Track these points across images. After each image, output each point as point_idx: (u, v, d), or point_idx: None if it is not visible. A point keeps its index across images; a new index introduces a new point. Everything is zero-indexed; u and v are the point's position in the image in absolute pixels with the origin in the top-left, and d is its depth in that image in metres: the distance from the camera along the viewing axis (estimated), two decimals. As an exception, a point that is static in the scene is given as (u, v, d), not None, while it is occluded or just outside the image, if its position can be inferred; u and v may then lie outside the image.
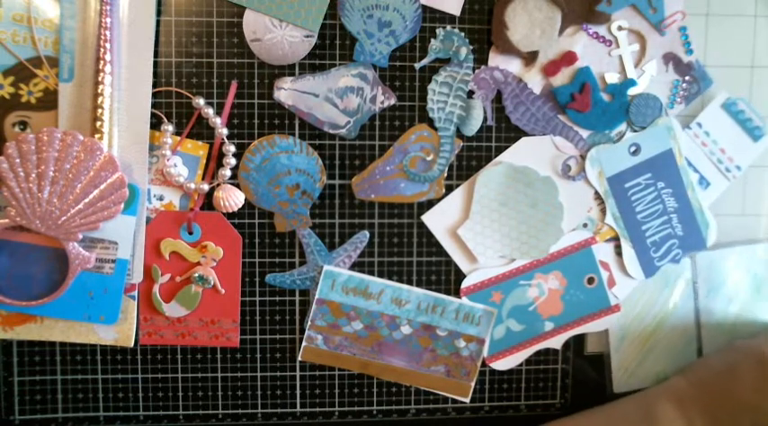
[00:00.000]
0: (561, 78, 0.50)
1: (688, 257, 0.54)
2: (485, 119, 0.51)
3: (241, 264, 0.51)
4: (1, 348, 0.51)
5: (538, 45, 0.49)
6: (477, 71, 0.50)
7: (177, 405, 0.52)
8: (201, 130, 0.49)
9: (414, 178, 0.51)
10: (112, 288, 0.48)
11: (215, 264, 0.50)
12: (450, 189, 0.51)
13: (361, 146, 0.51)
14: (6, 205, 0.44)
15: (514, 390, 0.55)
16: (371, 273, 0.52)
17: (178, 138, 0.48)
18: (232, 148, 0.48)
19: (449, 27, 0.50)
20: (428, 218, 0.52)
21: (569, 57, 0.50)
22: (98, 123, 0.45)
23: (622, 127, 0.52)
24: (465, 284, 0.52)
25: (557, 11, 0.49)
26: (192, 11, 0.48)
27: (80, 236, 0.45)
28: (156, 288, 0.50)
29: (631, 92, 0.51)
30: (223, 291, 0.50)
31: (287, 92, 0.49)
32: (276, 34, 0.48)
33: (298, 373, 0.53)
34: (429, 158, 0.51)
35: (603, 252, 0.53)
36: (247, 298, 0.51)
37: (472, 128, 0.50)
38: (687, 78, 0.51)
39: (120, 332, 0.50)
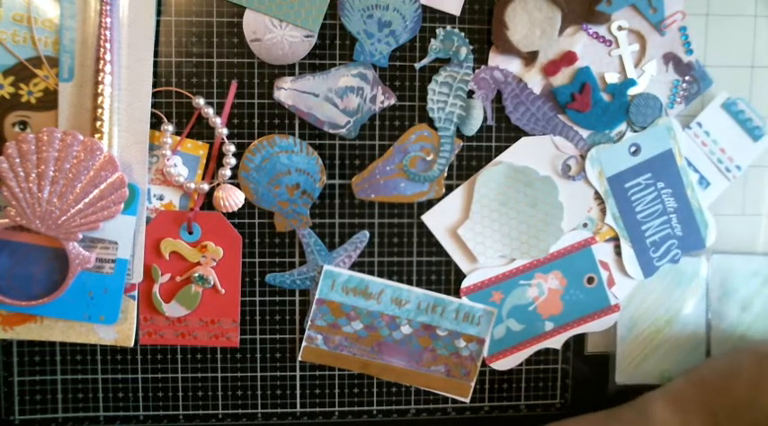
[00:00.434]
0: (561, 78, 0.50)
1: (705, 258, 0.54)
2: (485, 119, 0.51)
3: (241, 264, 0.51)
4: (1, 348, 0.51)
5: (538, 45, 0.50)
6: (477, 71, 0.50)
7: (177, 405, 0.52)
8: (201, 130, 0.49)
9: (414, 178, 0.51)
10: (112, 288, 0.48)
11: (215, 264, 0.50)
12: (450, 189, 0.51)
13: (361, 145, 0.51)
14: (6, 205, 0.44)
15: (514, 390, 0.55)
16: (371, 273, 0.52)
17: (178, 138, 0.48)
18: (232, 148, 0.48)
19: (449, 27, 0.50)
20: (428, 218, 0.52)
21: (569, 57, 0.50)
22: (98, 123, 0.45)
23: (622, 127, 0.52)
24: (465, 284, 0.52)
25: (557, 11, 0.49)
26: (192, 11, 0.48)
27: (80, 236, 0.45)
28: (156, 288, 0.50)
29: (631, 92, 0.51)
30: (223, 291, 0.50)
31: (287, 92, 0.49)
32: (276, 34, 0.48)
33: (298, 373, 0.53)
34: (429, 158, 0.51)
35: (603, 252, 0.53)
36: (247, 298, 0.51)
37: (472, 128, 0.51)
38: (687, 78, 0.52)
39: (120, 332, 0.50)
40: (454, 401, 0.54)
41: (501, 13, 0.49)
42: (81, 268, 0.46)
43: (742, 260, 0.54)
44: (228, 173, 0.49)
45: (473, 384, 0.54)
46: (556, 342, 0.54)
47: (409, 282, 0.52)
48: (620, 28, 0.50)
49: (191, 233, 0.49)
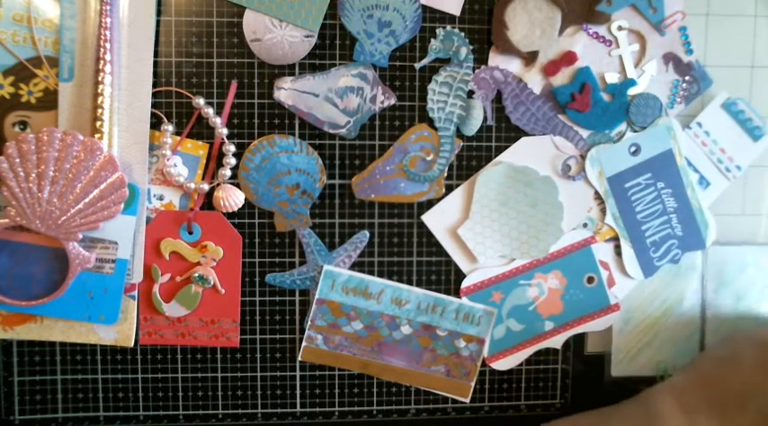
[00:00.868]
0: (561, 78, 0.50)
1: (700, 251, 0.54)
2: (485, 119, 0.51)
3: (241, 264, 0.51)
4: (1, 348, 0.51)
5: (538, 45, 0.50)
6: (477, 71, 0.50)
7: (177, 405, 0.52)
8: (201, 130, 0.49)
9: (414, 178, 0.51)
10: (112, 287, 0.48)
11: (215, 264, 0.50)
12: (450, 189, 0.51)
13: (361, 145, 0.51)
14: (6, 205, 0.44)
15: (514, 390, 0.55)
16: (371, 273, 0.52)
17: (178, 138, 0.48)
18: (232, 148, 0.48)
19: (449, 27, 0.50)
20: (428, 218, 0.52)
21: (569, 57, 0.50)
22: (98, 123, 0.45)
23: (622, 127, 0.52)
24: (465, 284, 0.52)
25: (557, 11, 0.49)
26: (192, 11, 0.48)
27: (80, 236, 0.45)
28: (156, 288, 0.50)
29: (631, 92, 0.51)
30: (223, 291, 0.50)
31: (287, 92, 0.49)
32: (276, 34, 0.48)
33: (298, 373, 0.53)
34: (429, 158, 0.51)
35: (603, 251, 0.53)
36: (247, 298, 0.51)
37: (472, 127, 0.50)
38: (687, 78, 0.52)
39: (120, 332, 0.50)
40: (454, 401, 0.54)
41: (501, 13, 0.49)
42: (81, 268, 0.46)
43: (737, 251, 0.54)
44: (228, 173, 0.49)
45: (473, 384, 0.54)
46: (556, 342, 0.54)
47: (409, 282, 0.52)
48: (620, 28, 0.50)
49: (191, 233, 0.49)
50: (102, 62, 0.45)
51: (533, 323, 0.53)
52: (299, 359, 0.52)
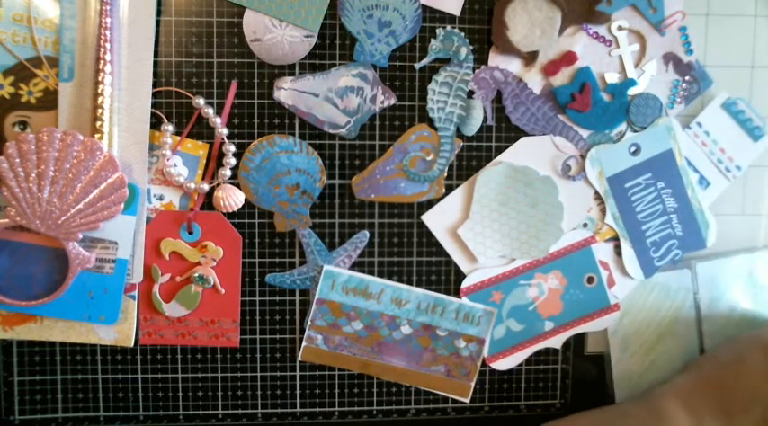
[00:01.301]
0: (561, 78, 0.50)
1: (688, 269, 0.54)
2: (485, 119, 0.51)
3: (241, 264, 0.51)
4: (1, 348, 0.51)
5: (538, 45, 0.50)
6: (477, 71, 0.50)
7: (177, 405, 0.52)
8: (201, 130, 0.49)
9: (414, 178, 0.51)
10: (112, 287, 0.48)
11: (215, 264, 0.50)
12: (450, 189, 0.51)
13: (361, 145, 0.51)
14: (6, 205, 0.44)
15: (514, 390, 0.55)
16: (371, 273, 0.52)
17: (178, 138, 0.48)
18: (232, 148, 0.48)
19: (449, 27, 0.50)
20: (428, 218, 0.52)
21: (569, 57, 0.50)
22: (98, 123, 0.45)
23: (622, 127, 0.52)
24: (465, 284, 0.52)
25: (557, 11, 0.49)
26: (192, 11, 0.48)
27: (80, 236, 0.45)
28: (156, 288, 0.50)
29: (631, 92, 0.51)
30: (223, 291, 0.50)
31: (287, 92, 0.49)
32: (276, 34, 0.48)
33: (298, 373, 0.53)
34: (429, 158, 0.51)
35: (603, 251, 0.53)
36: (247, 298, 0.51)
37: (472, 128, 0.51)
38: (687, 78, 0.51)
39: (120, 332, 0.50)
40: (454, 401, 0.54)
41: (501, 13, 0.49)
42: (81, 268, 0.46)
43: (724, 263, 0.54)
44: (228, 173, 0.49)
45: (473, 384, 0.54)
46: (556, 342, 0.54)
47: (409, 282, 0.52)
48: (620, 28, 0.50)
49: (191, 233, 0.49)
50: (102, 62, 0.45)
51: (533, 323, 0.53)
52: (299, 359, 0.52)
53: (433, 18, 0.50)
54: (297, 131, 0.50)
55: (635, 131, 0.52)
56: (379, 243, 0.52)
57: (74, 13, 0.46)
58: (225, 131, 0.48)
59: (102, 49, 0.45)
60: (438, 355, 0.53)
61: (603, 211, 0.52)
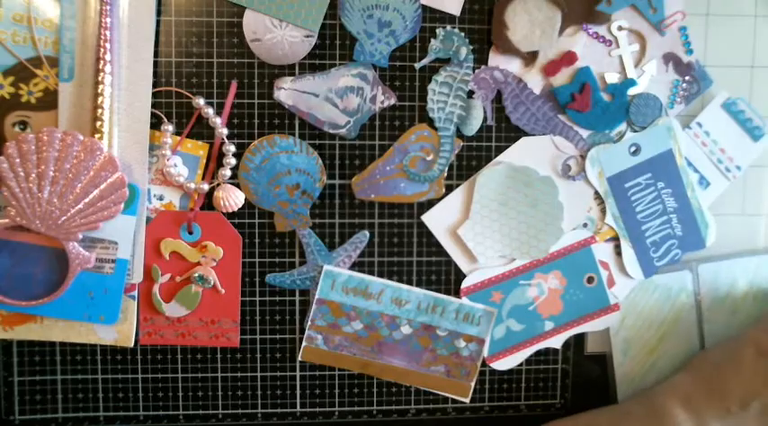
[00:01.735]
0: (561, 78, 0.50)
1: (689, 271, 0.54)
2: (485, 119, 0.51)
3: (241, 264, 0.51)
4: (1, 348, 0.51)
5: (538, 45, 0.50)
6: (477, 71, 0.50)
7: (177, 405, 0.52)
8: (201, 130, 0.49)
9: (414, 178, 0.51)
10: (112, 288, 0.48)
11: (215, 264, 0.50)
12: (450, 189, 0.51)
13: (361, 146, 0.51)
14: (6, 205, 0.44)
15: (514, 390, 0.55)
16: (371, 273, 0.52)
17: (178, 138, 0.48)
18: (232, 148, 0.48)
19: (449, 27, 0.50)
20: (428, 218, 0.52)
21: (569, 57, 0.50)
22: (98, 123, 0.45)
23: (622, 127, 0.52)
24: (465, 284, 0.52)
25: (557, 11, 0.49)
26: (192, 11, 0.48)
27: (80, 236, 0.45)
28: (156, 288, 0.50)
29: (631, 92, 0.51)
30: (223, 291, 0.50)
31: (287, 92, 0.49)
32: (276, 34, 0.48)
33: (298, 373, 0.53)
34: (429, 158, 0.51)
35: (603, 251, 0.53)
36: (247, 298, 0.51)
37: (472, 127, 0.50)
38: (687, 78, 0.51)
39: (120, 332, 0.50)
40: (454, 401, 0.54)
41: (501, 13, 0.49)
42: (81, 268, 0.46)
43: (726, 265, 0.54)
44: (228, 173, 0.49)
45: (473, 384, 0.54)
46: (556, 342, 0.54)
47: (409, 282, 0.52)
48: (620, 28, 0.50)
49: (191, 233, 0.49)
50: (102, 62, 0.45)
51: (533, 323, 0.53)
52: (299, 359, 0.52)
53: (433, 18, 0.50)
54: (297, 131, 0.50)
55: (635, 131, 0.52)
56: (379, 243, 0.52)
57: (74, 13, 0.46)
58: (225, 131, 0.48)
59: (102, 49, 0.45)
60: (438, 355, 0.53)
61: (603, 211, 0.52)
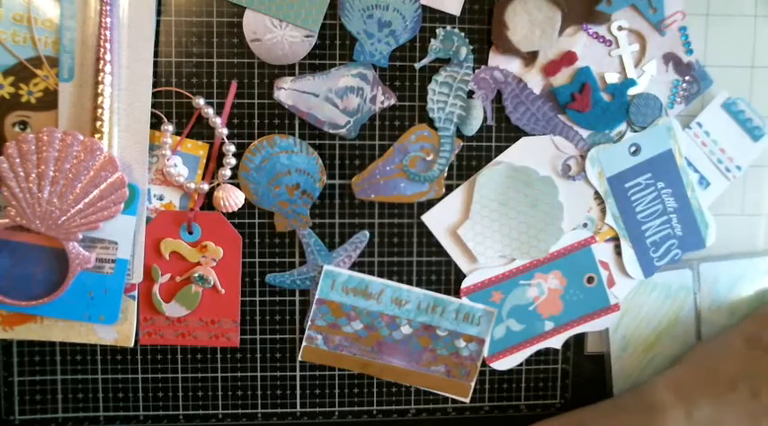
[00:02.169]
0: (561, 78, 0.50)
1: (689, 269, 0.54)
2: (485, 119, 0.51)
3: (241, 264, 0.51)
4: (1, 348, 0.51)
5: (538, 45, 0.50)
6: (477, 71, 0.50)
7: (177, 405, 0.52)
8: (201, 130, 0.49)
9: (414, 178, 0.51)
10: (112, 288, 0.48)
11: (215, 264, 0.50)
12: (450, 189, 0.51)
13: (361, 146, 0.51)
14: (6, 205, 0.44)
15: (514, 390, 0.55)
16: (371, 273, 0.52)
17: (178, 138, 0.48)
18: (232, 148, 0.48)
19: (449, 27, 0.50)
20: (428, 218, 0.52)
21: (569, 57, 0.50)
22: (98, 123, 0.45)
23: (622, 127, 0.52)
24: (465, 284, 0.52)
25: (557, 11, 0.49)
26: (192, 11, 0.48)
27: (80, 236, 0.45)
28: (156, 288, 0.50)
29: (631, 92, 0.51)
30: (223, 291, 0.50)
31: (287, 92, 0.49)
32: (276, 34, 0.48)
33: (298, 373, 0.53)
34: (429, 158, 0.51)
35: (603, 251, 0.53)
36: (247, 298, 0.51)
37: (472, 127, 0.50)
38: (687, 78, 0.51)
39: (120, 332, 0.50)
40: (454, 401, 0.54)
41: (501, 13, 0.49)
42: (81, 268, 0.46)
43: (726, 265, 0.54)
44: (228, 173, 0.49)
45: (473, 384, 0.54)
46: (556, 342, 0.54)
47: (409, 282, 0.52)
48: (620, 28, 0.50)
49: (191, 233, 0.49)
50: (102, 62, 0.45)
51: (533, 323, 0.53)
52: (299, 359, 0.52)
53: (433, 18, 0.50)
54: (297, 131, 0.50)
55: (635, 131, 0.52)
56: (379, 243, 0.52)
57: (74, 13, 0.46)
58: (225, 131, 0.48)
59: (102, 49, 0.45)
60: (438, 355, 0.53)
61: (603, 211, 0.52)
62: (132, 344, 0.50)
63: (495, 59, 0.50)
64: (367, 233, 0.51)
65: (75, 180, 0.44)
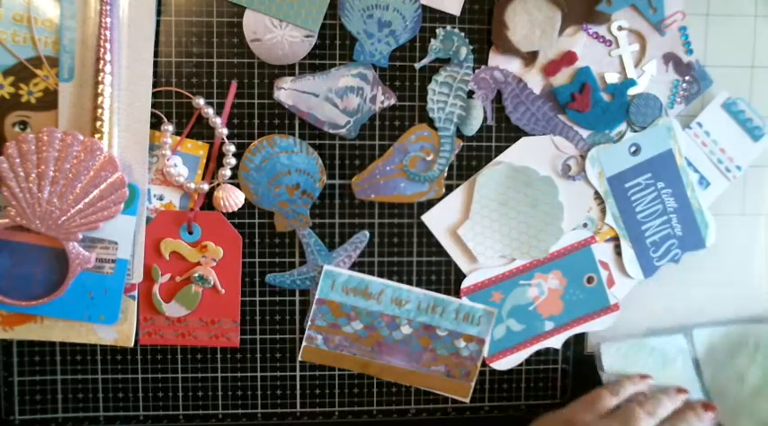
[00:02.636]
0: (561, 78, 0.50)
1: (683, 335, 0.53)
2: (485, 118, 0.51)
3: (241, 264, 0.51)
4: (1, 348, 0.51)
5: (538, 45, 0.50)
6: (477, 71, 0.50)
7: (177, 405, 0.52)
8: (201, 130, 0.49)
9: (414, 178, 0.51)
10: (112, 288, 0.48)
11: (215, 264, 0.50)
12: (450, 189, 0.51)
13: (361, 146, 0.51)
14: (6, 205, 0.44)
15: (514, 390, 0.55)
16: (371, 273, 0.52)
17: (178, 138, 0.48)
18: (232, 148, 0.48)
19: (449, 27, 0.50)
20: (428, 218, 0.52)
21: (569, 57, 0.50)
22: (98, 123, 0.45)
23: (622, 127, 0.52)
24: (465, 284, 0.52)
25: (557, 11, 0.49)
26: (192, 11, 0.48)
27: (80, 236, 0.45)
28: (156, 288, 0.50)
29: (631, 92, 0.51)
30: (223, 291, 0.50)
31: (287, 92, 0.49)
32: (276, 34, 0.48)
33: (298, 373, 0.53)
34: (429, 158, 0.51)
35: (603, 251, 0.53)
36: (247, 298, 0.51)
37: (472, 127, 0.50)
38: (687, 78, 0.51)
39: (120, 332, 0.50)
40: (454, 401, 0.54)
41: (501, 13, 0.49)
42: (81, 268, 0.46)
43: (722, 332, 0.53)
44: (228, 173, 0.49)
45: (473, 384, 0.54)
46: (556, 342, 0.54)
47: (409, 282, 0.52)
48: (620, 28, 0.50)
49: (191, 233, 0.49)
50: (102, 62, 0.45)
51: (533, 323, 0.53)
52: (299, 359, 0.52)
53: (433, 18, 0.50)
54: (297, 131, 0.50)
55: (635, 131, 0.52)
56: (379, 243, 0.52)
57: (74, 13, 0.46)
58: (225, 131, 0.48)
59: (102, 49, 0.45)
60: (438, 355, 0.53)
61: (603, 211, 0.52)
62: (132, 344, 0.50)
63: (495, 59, 0.50)
64: (367, 233, 0.51)
65: (75, 180, 0.44)
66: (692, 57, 0.51)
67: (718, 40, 0.52)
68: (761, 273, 0.55)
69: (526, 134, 0.51)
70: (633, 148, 0.52)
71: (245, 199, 0.49)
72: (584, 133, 0.51)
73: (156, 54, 0.48)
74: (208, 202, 0.49)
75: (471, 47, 0.50)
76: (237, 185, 0.49)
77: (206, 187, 0.48)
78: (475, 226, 0.51)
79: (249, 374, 0.52)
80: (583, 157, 0.51)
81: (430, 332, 0.52)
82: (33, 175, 0.44)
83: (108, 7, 0.45)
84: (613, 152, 0.51)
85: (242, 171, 0.49)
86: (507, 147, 0.51)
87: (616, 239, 0.53)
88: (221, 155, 0.49)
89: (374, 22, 0.49)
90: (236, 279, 0.51)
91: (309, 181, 0.50)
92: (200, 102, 0.48)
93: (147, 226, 0.49)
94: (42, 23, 0.46)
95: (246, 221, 0.50)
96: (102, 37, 0.45)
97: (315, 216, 0.51)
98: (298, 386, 0.53)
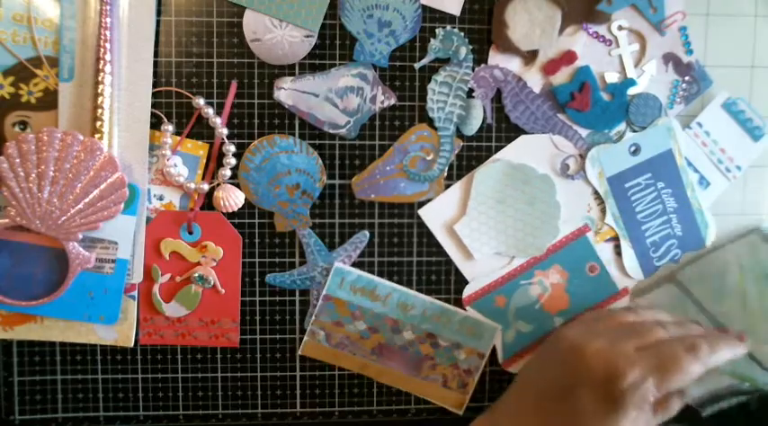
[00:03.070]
0: (561, 77, 0.50)
1: (674, 285, 0.53)
2: (484, 118, 0.51)
3: (241, 264, 0.51)
4: (1, 348, 0.51)
5: (538, 44, 0.50)
6: (477, 69, 0.50)
7: (177, 405, 0.52)
8: (201, 130, 0.49)
9: (414, 178, 0.51)
10: (112, 288, 0.48)
11: (215, 264, 0.50)
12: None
13: (361, 145, 0.51)
14: (6, 205, 0.44)
15: (515, 390, 0.55)
16: (371, 273, 0.52)
17: (178, 138, 0.48)
18: (232, 148, 0.49)
19: (449, 27, 0.50)
20: (425, 213, 0.51)
21: (569, 57, 0.50)
22: (98, 123, 0.45)
23: (622, 126, 0.52)
24: (466, 293, 0.52)
25: (557, 10, 0.49)
26: (192, 11, 0.48)
27: (80, 236, 0.45)
28: (156, 288, 0.50)
29: (631, 91, 0.51)
30: (223, 291, 0.50)
31: (287, 92, 0.49)
32: (276, 34, 0.48)
33: (298, 373, 0.53)
34: (429, 158, 0.51)
35: (603, 251, 0.53)
36: (247, 298, 0.51)
37: (472, 127, 0.50)
38: (687, 78, 0.51)
39: (120, 332, 0.50)
40: (454, 401, 0.54)
41: (501, 12, 0.49)
42: (81, 268, 0.46)
43: (705, 262, 0.53)
44: (228, 173, 0.49)
45: (468, 397, 0.53)
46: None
47: (409, 282, 0.52)
48: (620, 28, 0.50)
49: (191, 233, 0.49)
50: (102, 62, 0.45)
51: (542, 321, 0.53)
52: (299, 353, 0.52)
53: (433, 18, 0.50)
54: (297, 131, 0.50)
55: (635, 131, 0.52)
56: (379, 243, 0.52)
57: (74, 13, 0.46)
58: (225, 131, 0.48)
59: (102, 49, 0.45)
60: (437, 364, 0.53)
61: (603, 211, 0.52)
62: (132, 344, 0.50)
63: (495, 58, 0.50)
64: (367, 233, 0.51)
65: (75, 180, 0.44)
66: (692, 57, 0.51)
67: (718, 40, 0.52)
68: (761, 273, 0.55)
69: (526, 133, 0.51)
70: (633, 148, 0.52)
71: (245, 199, 0.49)
72: (584, 132, 0.51)
73: (156, 54, 0.48)
74: (208, 202, 0.49)
75: (471, 46, 0.50)
76: (237, 185, 0.49)
77: (206, 187, 0.48)
78: (471, 222, 0.51)
79: (249, 374, 0.52)
80: (582, 156, 0.51)
81: (432, 341, 0.52)
82: (33, 175, 0.44)
83: (108, 7, 0.45)
84: (613, 152, 0.51)
85: (242, 171, 0.49)
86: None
87: (616, 239, 0.53)
88: (221, 155, 0.49)
89: (374, 22, 0.49)
90: (236, 279, 0.51)
91: (309, 181, 0.50)
92: (201, 102, 0.48)
93: (147, 226, 0.49)
94: (42, 23, 0.46)
95: (246, 221, 0.50)
96: (102, 37, 0.45)
97: (315, 216, 0.51)
98: (298, 386, 0.53)
